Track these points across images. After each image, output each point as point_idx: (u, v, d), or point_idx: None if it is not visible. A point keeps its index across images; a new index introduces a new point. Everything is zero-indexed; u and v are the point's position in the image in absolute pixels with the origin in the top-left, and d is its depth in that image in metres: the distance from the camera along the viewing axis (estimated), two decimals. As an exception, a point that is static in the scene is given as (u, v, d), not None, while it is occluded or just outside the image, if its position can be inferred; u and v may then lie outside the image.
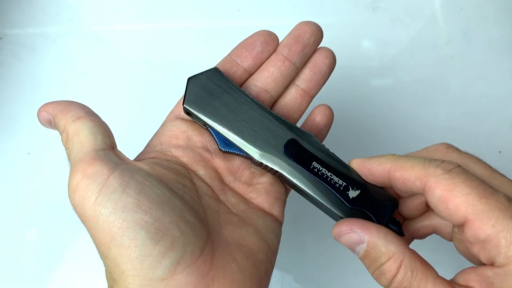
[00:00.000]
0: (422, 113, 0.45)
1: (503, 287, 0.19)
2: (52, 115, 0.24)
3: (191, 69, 0.47)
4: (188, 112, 0.27)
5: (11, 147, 0.43)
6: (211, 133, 0.27)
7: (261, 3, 0.50)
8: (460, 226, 0.20)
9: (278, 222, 0.27)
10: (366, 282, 0.39)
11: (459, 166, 0.21)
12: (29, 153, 0.43)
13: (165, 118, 0.30)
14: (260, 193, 0.27)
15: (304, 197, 0.27)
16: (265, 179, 0.28)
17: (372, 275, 0.23)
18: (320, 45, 0.30)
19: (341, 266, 0.40)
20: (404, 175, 0.22)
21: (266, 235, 0.26)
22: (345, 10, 0.50)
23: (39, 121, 0.24)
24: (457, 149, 0.25)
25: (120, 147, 0.47)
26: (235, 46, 0.30)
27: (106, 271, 0.22)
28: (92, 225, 0.21)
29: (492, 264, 0.19)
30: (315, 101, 0.31)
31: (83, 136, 0.23)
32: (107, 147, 0.23)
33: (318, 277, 0.40)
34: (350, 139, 0.44)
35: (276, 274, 0.40)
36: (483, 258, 0.20)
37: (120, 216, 0.20)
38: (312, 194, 0.25)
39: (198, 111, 0.26)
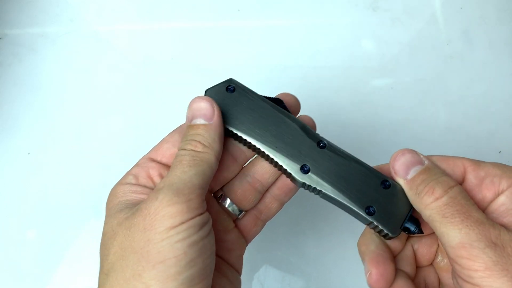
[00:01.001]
0: (422, 113, 0.45)
1: None
2: (206, 121, 0.25)
3: (191, 69, 0.47)
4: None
5: (11, 147, 0.43)
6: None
7: (261, 3, 0.50)
8: (462, 179, 0.25)
9: (239, 275, 0.29)
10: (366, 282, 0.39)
11: None
12: (29, 153, 0.43)
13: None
14: (224, 251, 0.28)
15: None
16: (229, 237, 0.28)
17: (421, 192, 0.23)
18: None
19: (341, 266, 0.40)
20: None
21: (237, 286, 0.28)
22: (345, 10, 0.50)
23: (193, 103, 0.26)
24: None
25: (120, 146, 0.47)
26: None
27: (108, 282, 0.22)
28: (154, 239, 0.21)
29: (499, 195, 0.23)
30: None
31: (207, 172, 0.24)
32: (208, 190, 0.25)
33: (318, 277, 0.40)
34: (350, 139, 0.44)
35: (276, 274, 0.40)
36: (490, 194, 0.24)
37: (184, 249, 0.21)
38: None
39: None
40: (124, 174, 0.27)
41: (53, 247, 0.40)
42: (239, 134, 0.26)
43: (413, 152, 0.25)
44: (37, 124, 0.44)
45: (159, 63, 0.47)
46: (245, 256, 0.30)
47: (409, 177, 0.24)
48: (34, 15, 0.49)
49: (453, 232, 0.21)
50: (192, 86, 0.47)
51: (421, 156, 0.25)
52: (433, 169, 0.24)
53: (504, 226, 0.22)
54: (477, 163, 0.25)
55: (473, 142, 0.44)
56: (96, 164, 0.43)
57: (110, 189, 0.26)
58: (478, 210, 0.22)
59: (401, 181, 0.25)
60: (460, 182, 0.24)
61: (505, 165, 0.25)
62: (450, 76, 0.47)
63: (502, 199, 0.23)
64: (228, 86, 0.27)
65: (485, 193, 0.24)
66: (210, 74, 0.47)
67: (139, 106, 0.45)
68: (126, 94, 0.46)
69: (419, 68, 0.47)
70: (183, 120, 0.27)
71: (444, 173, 0.24)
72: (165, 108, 0.45)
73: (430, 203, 0.23)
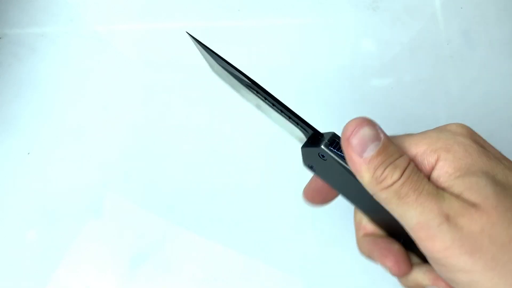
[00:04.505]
0: (422, 113, 0.45)
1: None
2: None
3: (191, 69, 0.47)
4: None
5: (11, 147, 0.43)
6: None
7: (261, 3, 0.50)
8: (434, 166, 0.23)
9: None
10: (367, 283, 0.39)
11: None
12: (29, 153, 0.43)
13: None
14: None
15: None
16: None
17: (378, 177, 0.22)
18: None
19: (342, 266, 0.40)
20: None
21: None
22: (345, 10, 0.50)
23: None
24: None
25: (120, 147, 0.47)
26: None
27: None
28: None
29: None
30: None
31: None
32: None
33: (318, 277, 0.40)
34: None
35: (276, 274, 0.40)
36: (458, 188, 0.21)
37: None
38: None
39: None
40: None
41: (53, 247, 0.40)
42: None
43: (371, 124, 0.24)
44: (37, 124, 0.44)
45: (159, 63, 0.47)
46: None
47: (365, 155, 0.22)
48: (34, 15, 0.49)
49: (409, 213, 0.21)
50: (192, 86, 0.47)
51: (378, 130, 0.24)
52: (389, 147, 0.23)
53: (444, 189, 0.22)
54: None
55: (473, 142, 0.44)
56: (96, 164, 0.43)
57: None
58: (429, 182, 0.22)
59: (353, 156, 0.23)
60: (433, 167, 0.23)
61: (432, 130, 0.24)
62: (450, 76, 0.47)
63: (439, 164, 0.22)
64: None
65: (454, 186, 0.22)
66: (210, 74, 0.47)
67: (139, 106, 0.45)
68: (126, 94, 0.46)
69: (419, 68, 0.47)
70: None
71: (399, 149, 0.23)
72: (165, 108, 0.45)
73: (387, 187, 0.22)
